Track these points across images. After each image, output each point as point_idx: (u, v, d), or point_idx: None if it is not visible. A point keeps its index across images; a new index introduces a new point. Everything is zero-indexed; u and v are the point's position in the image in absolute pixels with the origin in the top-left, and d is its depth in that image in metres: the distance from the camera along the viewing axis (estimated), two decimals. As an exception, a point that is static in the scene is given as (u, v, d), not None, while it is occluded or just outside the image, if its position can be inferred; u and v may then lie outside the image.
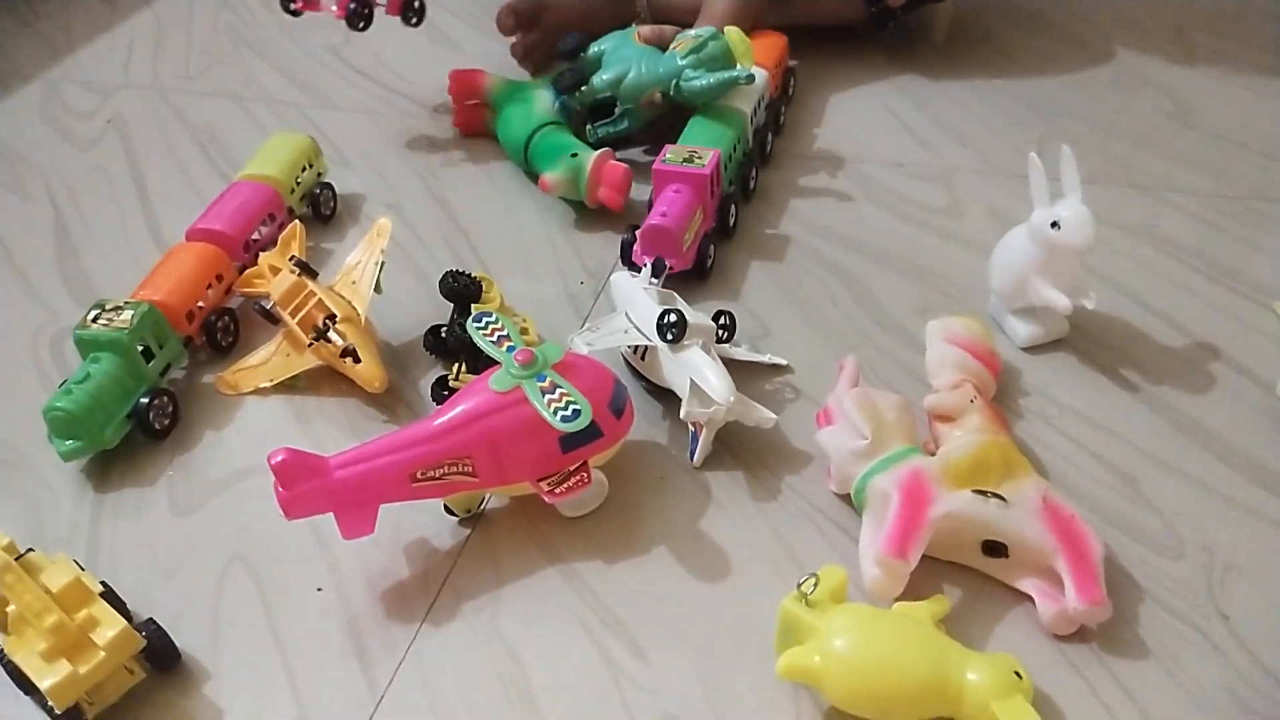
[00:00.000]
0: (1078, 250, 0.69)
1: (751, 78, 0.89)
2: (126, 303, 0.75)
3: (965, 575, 0.61)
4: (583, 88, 0.93)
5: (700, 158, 0.83)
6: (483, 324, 0.66)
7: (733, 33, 0.91)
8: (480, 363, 0.69)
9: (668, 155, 0.84)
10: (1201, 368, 0.74)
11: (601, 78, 0.92)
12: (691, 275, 0.81)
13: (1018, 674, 0.52)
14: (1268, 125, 1.00)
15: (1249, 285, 0.81)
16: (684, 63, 0.90)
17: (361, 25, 0.98)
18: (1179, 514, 0.65)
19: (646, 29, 0.95)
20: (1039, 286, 0.71)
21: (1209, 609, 0.59)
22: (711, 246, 0.84)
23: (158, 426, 0.73)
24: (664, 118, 0.96)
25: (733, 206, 0.88)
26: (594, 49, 0.95)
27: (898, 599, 0.58)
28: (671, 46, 0.93)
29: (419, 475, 0.61)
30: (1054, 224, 0.69)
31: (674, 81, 0.90)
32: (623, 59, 0.93)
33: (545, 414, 0.60)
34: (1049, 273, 0.71)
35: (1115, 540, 0.63)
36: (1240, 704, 0.55)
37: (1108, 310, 0.79)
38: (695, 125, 0.90)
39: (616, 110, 0.95)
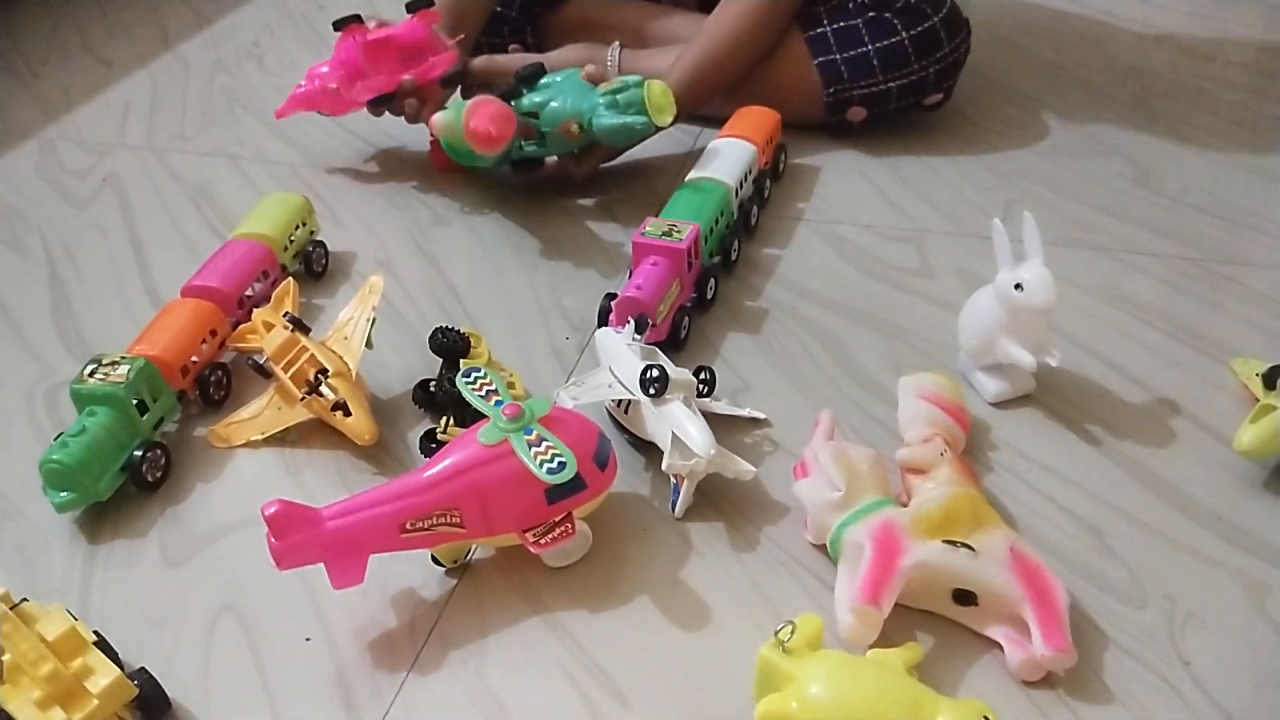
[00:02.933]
0: (1040, 310, 0.72)
1: (648, 127, 0.94)
2: (123, 357, 0.77)
3: (937, 623, 0.63)
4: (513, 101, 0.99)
5: (679, 231, 0.86)
6: (471, 379, 0.68)
7: (655, 85, 0.95)
8: (468, 416, 0.71)
9: (647, 228, 0.87)
10: (1163, 423, 0.77)
11: (531, 98, 0.98)
12: (665, 346, 0.82)
13: (987, 718, 0.54)
14: (1227, 190, 1.05)
15: (1208, 344, 0.85)
16: (601, 101, 0.95)
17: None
18: (1142, 564, 0.67)
19: (591, 68, 1.00)
20: (1005, 345, 0.74)
21: (1171, 656, 0.62)
22: (687, 318, 0.86)
23: (150, 479, 0.75)
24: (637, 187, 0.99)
25: (713, 280, 0.90)
26: (546, 79, 1.00)
27: (872, 646, 0.60)
28: (600, 85, 0.97)
29: (408, 526, 0.63)
30: (1017, 285, 0.72)
31: (589, 117, 0.95)
32: (557, 88, 0.98)
33: (532, 466, 0.62)
34: (1014, 331, 0.74)
35: (1081, 589, 0.65)
36: (1202, 748, 0.57)
37: (1073, 367, 0.82)
38: (679, 198, 0.94)
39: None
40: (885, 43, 1.07)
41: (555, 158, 1.05)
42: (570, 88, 0.98)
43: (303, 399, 0.77)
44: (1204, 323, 0.87)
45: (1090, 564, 0.67)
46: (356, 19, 1.07)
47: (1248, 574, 0.66)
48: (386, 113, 1.09)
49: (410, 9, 1.07)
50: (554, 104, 0.97)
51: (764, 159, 1.03)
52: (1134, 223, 1.00)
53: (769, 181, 1.05)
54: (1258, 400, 0.73)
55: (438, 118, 0.97)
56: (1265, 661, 0.61)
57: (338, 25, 1.07)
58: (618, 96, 0.95)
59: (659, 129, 0.96)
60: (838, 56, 1.08)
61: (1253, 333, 0.86)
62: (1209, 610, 0.64)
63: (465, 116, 0.94)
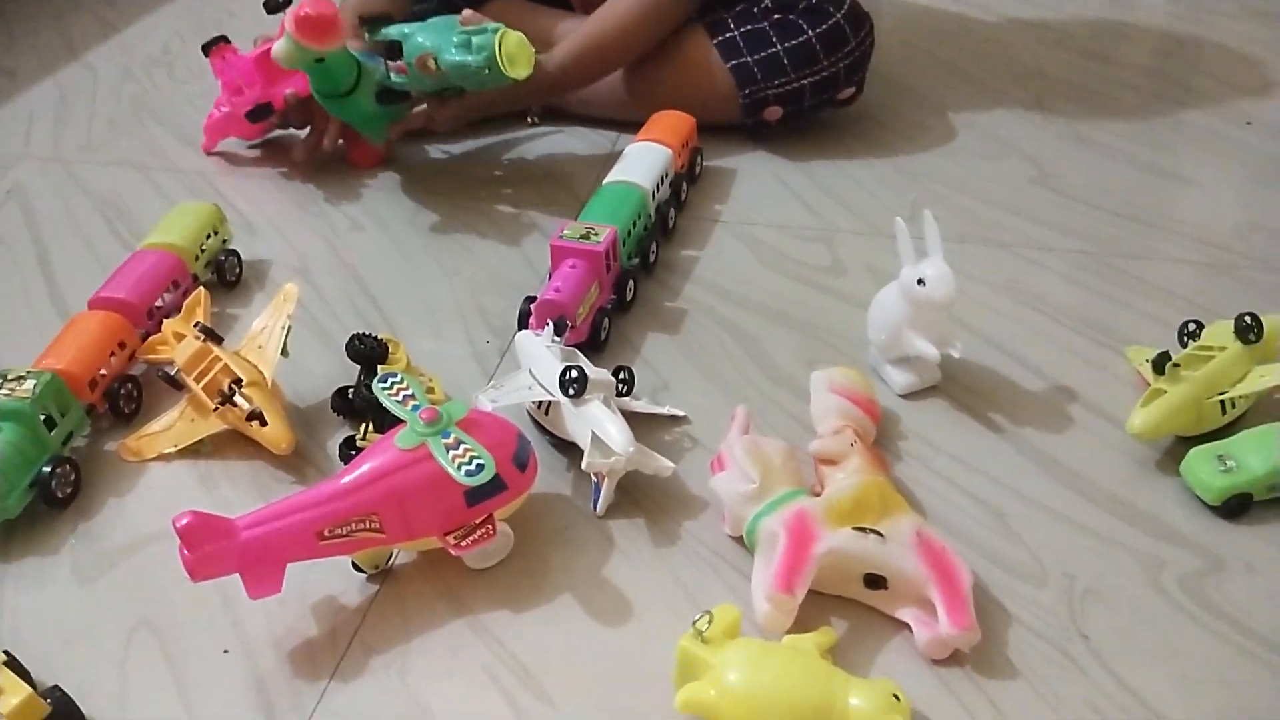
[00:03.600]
0: (941, 304, 0.75)
1: (483, 68, 0.94)
2: (29, 372, 0.75)
3: (849, 607, 0.65)
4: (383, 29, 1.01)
5: (597, 234, 0.87)
6: (388, 384, 0.68)
7: (511, 34, 0.96)
8: (387, 423, 0.71)
9: (565, 231, 0.88)
10: (1061, 410, 0.81)
11: (400, 28, 0.99)
12: (585, 347, 0.84)
13: (896, 696, 0.56)
14: (1121, 187, 1.09)
15: (1104, 333, 0.88)
16: (455, 40, 0.96)
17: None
18: (1043, 545, 0.70)
19: (469, 12, 1.00)
20: (910, 338, 0.77)
21: (1071, 631, 0.64)
22: (606, 319, 0.87)
23: (60, 495, 0.73)
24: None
25: (631, 281, 0.92)
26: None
27: (788, 632, 0.62)
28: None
29: (326, 533, 0.63)
30: (920, 281, 0.75)
31: (443, 53, 0.96)
32: (429, 26, 0.99)
33: (450, 469, 0.62)
34: (919, 325, 0.77)
35: (985, 570, 0.68)
36: (1101, 716, 0.60)
37: (977, 359, 0.85)
38: (596, 201, 0.95)
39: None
40: (793, 42, 1.10)
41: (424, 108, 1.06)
42: (441, 26, 0.98)
43: (216, 409, 0.76)
44: (1100, 314, 0.91)
45: (993, 545, 0.70)
46: (223, 39, 1.09)
47: (1142, 551, 0.69)
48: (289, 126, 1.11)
49: (269, 10, 1.06)
50: (418, 38, 0.98)
51: (680, 162, 1.05)
52: (1034, 220, 1.04)
53: (685, 184, 1.07)
54: (1149, 385, 0.77)
55: (275, 46, 0.97)
56: (1159, 633, 0.64)
57: (206, 49, 1.09)
58: (473, 38, 0.95)
59: (509, 79, 0.96)
60: (749, 59, 1.10)
61: (1147, 322, 0.90)
62: (1106, 586, 0.67)
63: (290, 21, 0.95)
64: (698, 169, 1.11)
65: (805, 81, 1.11)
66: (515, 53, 0.96)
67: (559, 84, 1.09)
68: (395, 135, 1.09)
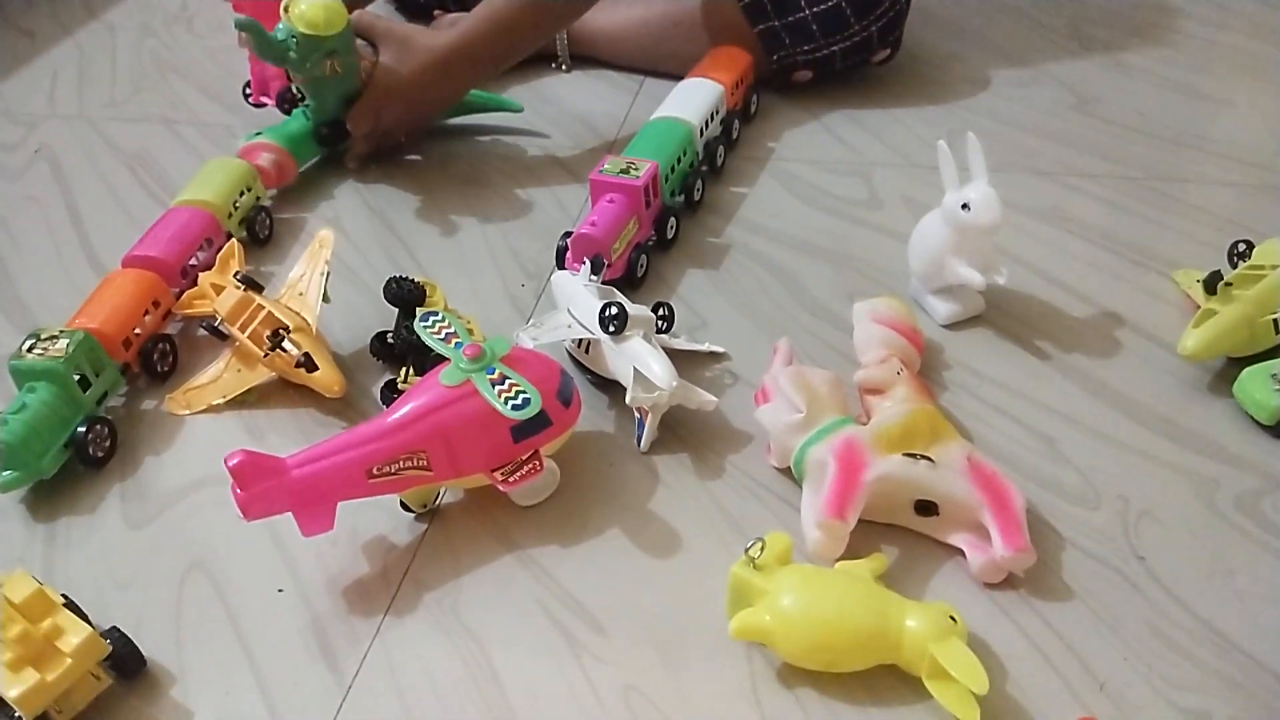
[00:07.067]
0: (987, 229, 0.73)
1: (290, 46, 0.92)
2: (62, 331, 0.74)
3: (900, 535, 0.65)
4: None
5: (637, 169, 0.86)
6: (430, 323, 0.68)
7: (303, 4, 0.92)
8: (428, 365, 0.71)
9: (605, 166, 0.87)
10: (1109, 334, 0.79)
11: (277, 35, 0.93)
12: (621, 283, 0.83)
13: (952, 618, 0.56)
14: (1161, 112, 1.07)
15: (1150, 257, 0.87)
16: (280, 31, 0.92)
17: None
18: (1094, 468, 0.69)
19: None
20: (954, 265, 0.76)
21: (1126, 552, 0.64)
22: (644, 256, 0.86)
23: (96, 455, 0.73)
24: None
25: (673, 218, 0.90)
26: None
27: (839, 560, 0.61)
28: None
29: (375, 471, 0.63)
30: (964, 205, 0.73)
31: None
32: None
33: (496, 404, 0.62)
34: (962, 252, 0.75)
35: (1036, 495, 0.67)
36: (1159, 635, 0.59)
37: (1021, 287, 0.83)
38: (642, 136, 0.93)
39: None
40: (823, 7, 1.06)
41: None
42: None
43: (265, 357, 0.76)
44: (1146, 238, 0.89)
45: (1044, 470, 0.69)
46: None
47: (1196, 472, 0.68)
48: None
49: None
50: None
51: (733, 100, 1.03)
52: (1074, 147, 1.02)
53: (738, 122, 1.04)
54: (1199, 308, 0.76)
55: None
56: (1215, 552, 0.64)
57: None
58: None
59: (321, 41, 0.92)
60: (777, 23, 1.07)
61: (1193, 245, 0.88)
62: (1161, 508, 0.66)
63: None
64: (753, 107, 1.08)
65: (835, 47, 1.07)
66: (309, 13, 0.90)
67: (461, 61, 0.99)
68: (354, 164, 1.04)
